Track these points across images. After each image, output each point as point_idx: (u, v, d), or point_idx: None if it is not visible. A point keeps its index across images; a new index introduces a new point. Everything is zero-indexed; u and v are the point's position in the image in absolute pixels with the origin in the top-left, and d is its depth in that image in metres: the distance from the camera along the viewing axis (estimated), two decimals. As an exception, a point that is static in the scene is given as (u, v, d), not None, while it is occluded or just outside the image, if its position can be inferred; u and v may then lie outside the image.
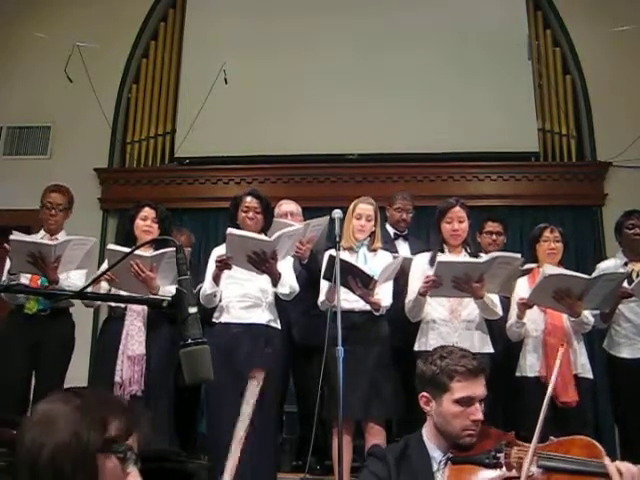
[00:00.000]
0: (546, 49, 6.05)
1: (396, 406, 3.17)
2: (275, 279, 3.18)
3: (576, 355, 3.19)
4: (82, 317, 4.44)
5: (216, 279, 3.19)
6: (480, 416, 1.81)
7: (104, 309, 4.87)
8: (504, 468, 1.75)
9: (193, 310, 1.32)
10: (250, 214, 3.32)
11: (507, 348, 3.42)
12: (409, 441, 1.92)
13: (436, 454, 1.85)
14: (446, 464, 1.81)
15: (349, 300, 3.19)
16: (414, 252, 3.63)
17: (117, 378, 3.12)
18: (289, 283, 3.23)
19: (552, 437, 1.83)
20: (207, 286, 3.21)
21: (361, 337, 3.18)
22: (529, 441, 1.75)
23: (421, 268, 3.26)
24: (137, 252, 3.07)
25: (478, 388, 1.83)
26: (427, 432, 1.90)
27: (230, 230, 3.15)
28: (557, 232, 3.41)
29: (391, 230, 4.04)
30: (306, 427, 3.76)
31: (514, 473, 1.73)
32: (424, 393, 1.90)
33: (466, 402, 1.81)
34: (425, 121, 5.68)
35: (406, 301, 3.25)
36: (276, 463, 3.47)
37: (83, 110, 5.92)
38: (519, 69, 5.79)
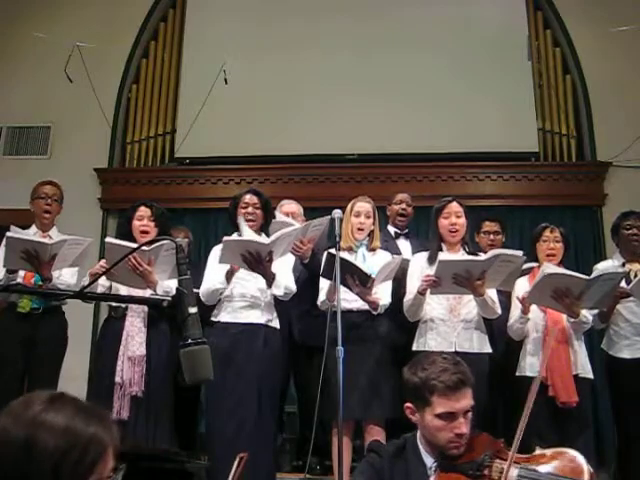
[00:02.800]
0: (546, 49, 6.05)
1: (395, 406, 3.17)
2: (269, 281, 3.17)
3: (576, 355, 3.19)
4: (82, 316, 4.45)
5: (229, 276, 3.18)
6: (464, 430, 1.77)
7: (104, 308, 4.87)
8: None
9: (193, 310, 1.32)
10: (249, 209, 3.33)
11: (507, 348, 3.42)
12: (407, 441, 1.91)
13: (428, 460, 1.84)
14: (435, 471, 1.79)
15: (348, 300, 3.19)
16: (416, 251, 3.63)
17: (117, 379, 3.11)
18: (284, 284, 3.22)
19: (538, 447, 1.82)
20: (216, 281, 3.19)
21: (360, 337, 3.19)
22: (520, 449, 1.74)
23: (419, 267, 3.25)
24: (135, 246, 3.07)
25: (460, 402, 1.78)
26: (419, 437, 1.88)
27: (226, 238, 3.15)
28: (557, 232, 3.40)
29: (392, 230, 4.05)
30: (306, 427, 3.76)
31: None
32: (408, 404, 1.87)
33: (448, 417, 1.77)
34: (425, 121, 5.69)
35: (404, 300, 3.25)
36: (276, 463, 3.47)
37: (83, 110, 5.92)
38: (519, 69, 5.79)
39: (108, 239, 3.24)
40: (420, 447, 1.86)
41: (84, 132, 5.93)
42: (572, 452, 1.79)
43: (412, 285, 3.22)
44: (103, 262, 3.21)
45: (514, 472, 1.71)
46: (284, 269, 3.26)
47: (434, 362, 1.83)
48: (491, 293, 3.15)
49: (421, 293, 3.13)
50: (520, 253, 3.12)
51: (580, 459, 1.74)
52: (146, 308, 3.23)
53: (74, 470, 0.92)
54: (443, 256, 3.13)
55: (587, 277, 3.11)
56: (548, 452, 1.80)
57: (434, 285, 3.07)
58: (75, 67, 5.70)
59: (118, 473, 1.00)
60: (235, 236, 3.27)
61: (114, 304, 3.38)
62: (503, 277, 3.11)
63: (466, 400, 1.79)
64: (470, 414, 1.81)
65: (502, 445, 1.81)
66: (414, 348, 3.20)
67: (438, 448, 1.81)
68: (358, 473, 1.92)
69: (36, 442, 0.91)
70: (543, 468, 1.74)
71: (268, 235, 3.33)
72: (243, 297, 3.22)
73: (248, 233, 3.22)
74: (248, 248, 3.05)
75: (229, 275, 3.17)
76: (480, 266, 3.03)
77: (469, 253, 3.27)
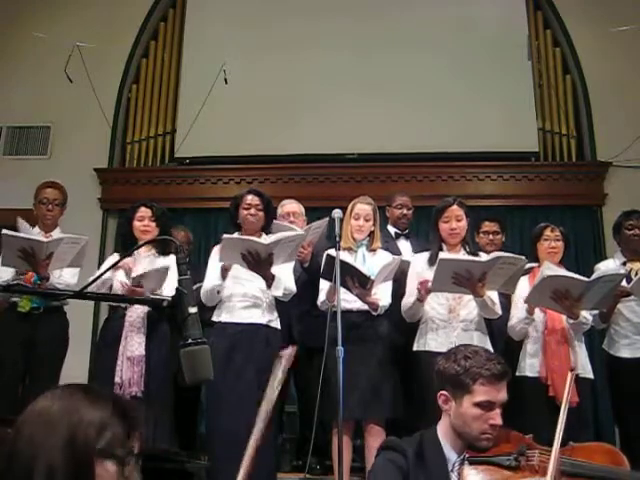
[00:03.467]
0: (546, 49, 6.05)
1: (396, 406, 3.17)
2: (269, 282, 3.17)
3: (576, 355, 3.19)
4: (82, 316, 4.44)
5: (223, 273, 3.18)
6: (499, 421, 1.78)
7: (104, 308, 4.87)
8: (526, 471, 1.74)
9: (193, 310, 1.32)
10: (252, 211, 3.32)
11: (506, 348, 3.42)
12: (423, 438, 1.88)
13: (451, 455, 1.82)
14: (462, 464, 1.78)
15: (348, 300, 3.19)
16: (416, 251, 3.62)
17: (117, 379, 3.11)
18: (284, 285, 3.21)
19: (571, 442, 1.82)
20: (212, 279, 3.19)
21: (360, 337, 3.18)
22: (545, 445, 1.74)
23: (419, 268, 3.25)
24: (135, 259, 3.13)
25: (500, 393, 1.80)
26: (442, 432, 1.86)
27: (225, 235, 3.15)
28: (558, 231, 3.41)
29: (392, 230, 4.04)
30: (306, 427, 3.76)
31: (538, 477, 1.71)
32: (443, 391, 1.86)
33: (487, 406, 1.78)
34: (425, 121, 5.68)
35: (403, 302, 3.24)
36: (276, 463, 3.47)
37: (83, 110, 5.92)
38: (519, 69, 5.79)
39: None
40: (442, 442, 1.84)
41: (84, 132, 5.93)
42: (607, 445, 1.83)
43: (411, 286, 3.22)
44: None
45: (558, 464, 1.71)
46: (284, 270, 3.26)
47: (477, 352, 1.86)
48: (491, 294, 3.15)
49: (420, 300, 3.13)
50: (523, 257, 3.12)
51: (617, 450, 1.77)
52: (146, 308, 3.23)
53: (116, 432, 0.97)
54: (444, 255, 3.13)
55: (587, 279, 3.10)
56: (583, 446, 1.82)
57: (427, 292, 3.08)
58: (75, 67, 5.69)
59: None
60: (236, 235, 3.27)
61: (114, 304, 3.38)
62: (504, 279, 3.09)
63: (504, 392, 1.82)
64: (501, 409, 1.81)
65: (532, 441, 1.82)
66: (414, 348, 3.20)
67: (468, 439, 1.80)
68: (380, 471, 1.86)
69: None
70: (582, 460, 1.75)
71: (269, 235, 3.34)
72: (244, 297, 3.22)
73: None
74: (247, 247, 3.05)
75: (224, 273, 3.18)
76: (481, 267, 3.02)
77: (469, 253, 3.26)
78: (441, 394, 1.87)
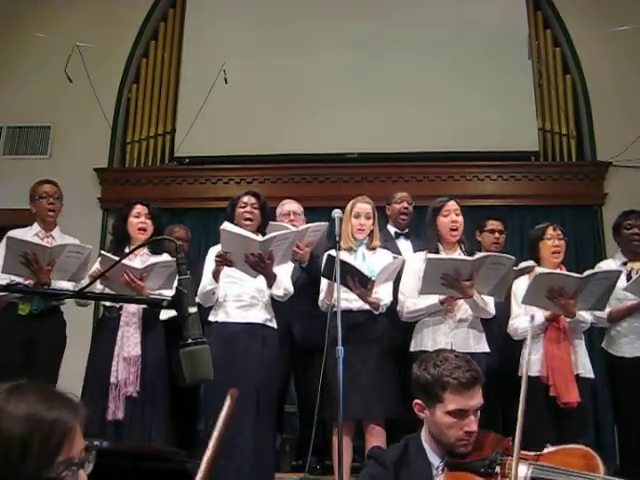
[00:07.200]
0: (546, 49, 6.05)
1: (396, 406, 3.17)
2: (270, 281, 3.18)
3: (577, 355, 3.19)
4: (82, 316, 4.43)
5: (216, 276, 3.19)
6: (474, 428, 1.77)
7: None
8: (499, 478, 1.74)
9: (193, 310, 1.32)
10: (248, 209, 3.34)
11: (505, 347, 3.41)
12: (409, 443, 1.89)
13: (434, 459, 1.83)
14: (443, 470, 1.79)
15: (349, 299, 3.19)
16: (416, 251, 3.62)
17: (112, 379, 3.11)
18: (284, 285, 3.22)
19: (549, 444, 1.81)
20: (206, 282, 3.21)
21: (361, 336, 3.18)
22: (526, 447, 1.74)
23: (417, 266, 3.23)
24: (128, 260, 3.12)
25: (472, 400, 1.78)
26: (424, 437, 1.87)
27: (224, 226, 3.15)
28: (559, 230, 3.40)
29: (392, 229, 4.03)
30: (306, 427, 3.76)
31: None
32: (418, 400, 1.86)
33: (459, 414, 1.77)
34: (425, 121, 5.68)
35: (405, 303, 3.23)
36: (276, 463, 3.47)
37: (83, 110, 5.91)
38: (519, 69, 5.79)
39: (103, 252, 3.28)
40: (426, 447, 1.85)
41: (84, 132, 5.93)
42: (584, 448, 1.80)
43: (408, 284, 3.22)
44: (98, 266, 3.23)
45: (528, 470, 1.72)
46: (281, 271, 3.26)
47: (446, 359, 1.83)
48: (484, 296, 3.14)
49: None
50: (512, 257, 3.11)
51: (593, 454, 1.75)
52: (141, 308, 3.23)
53: (40, 453, 0.93)
54: (432, 255, 3.13)
55: (580, 275, 3.10)
56: (559, 449, 1.81)
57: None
58: (75, 67, 5.70)
59: (91, 452, 1.01)
60: (232, 227, 3.26)
61: (108, 304, 3.37)
62: (493, 281, 3.08)
63: (478, 398, 1.79)
64: (479, 412, 1.80)
65: (511, 443, 1.81)
66: (411, 348, 3.20)
67: (446, 446, 1.80)
68: None
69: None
70: (557, 465, 1.74)
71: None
72: (241, 297, 3.22)
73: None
74: (244, 244, 3.05)
75: (216, 274, 3.18)
76: (469, 266, 3.00)
77: (465, 252, 3.25)
78: (416, 403, 1.87)
